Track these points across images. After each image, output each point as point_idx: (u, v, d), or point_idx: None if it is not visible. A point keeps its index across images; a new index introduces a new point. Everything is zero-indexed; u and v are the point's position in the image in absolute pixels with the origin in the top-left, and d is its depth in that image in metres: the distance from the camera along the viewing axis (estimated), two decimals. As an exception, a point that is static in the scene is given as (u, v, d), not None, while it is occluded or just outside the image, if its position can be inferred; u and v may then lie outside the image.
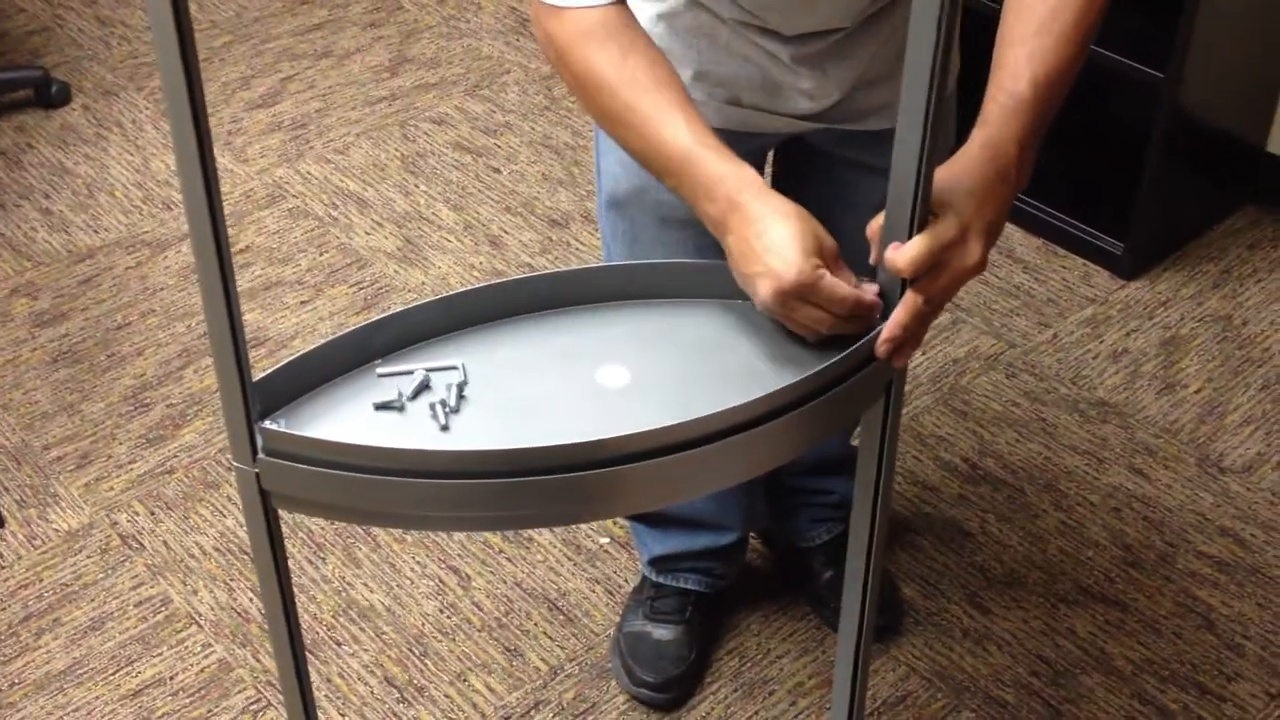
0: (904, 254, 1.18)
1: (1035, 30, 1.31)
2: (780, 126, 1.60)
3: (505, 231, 2.92)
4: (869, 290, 1.23)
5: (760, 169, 1.51)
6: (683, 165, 1.29)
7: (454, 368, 1.22)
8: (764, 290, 1.22)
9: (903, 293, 1.21)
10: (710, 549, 2.06)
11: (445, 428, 1.16)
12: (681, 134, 1.29)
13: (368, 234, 2.92)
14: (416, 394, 1.19)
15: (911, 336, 1.22)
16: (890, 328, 1.21)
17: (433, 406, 1.18)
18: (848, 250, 1.26)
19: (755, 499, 2.08)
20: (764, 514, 2.13)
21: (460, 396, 1.19)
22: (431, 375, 1.21)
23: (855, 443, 1.35)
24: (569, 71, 1.37)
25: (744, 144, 1.49)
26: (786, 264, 1.21)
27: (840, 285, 1.21)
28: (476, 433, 1.17)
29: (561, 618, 2.18)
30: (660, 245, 1.71)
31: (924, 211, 1.18)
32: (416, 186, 3.05)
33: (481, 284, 1.27)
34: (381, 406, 1.18)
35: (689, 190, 1.30)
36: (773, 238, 1.23)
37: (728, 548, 2.07)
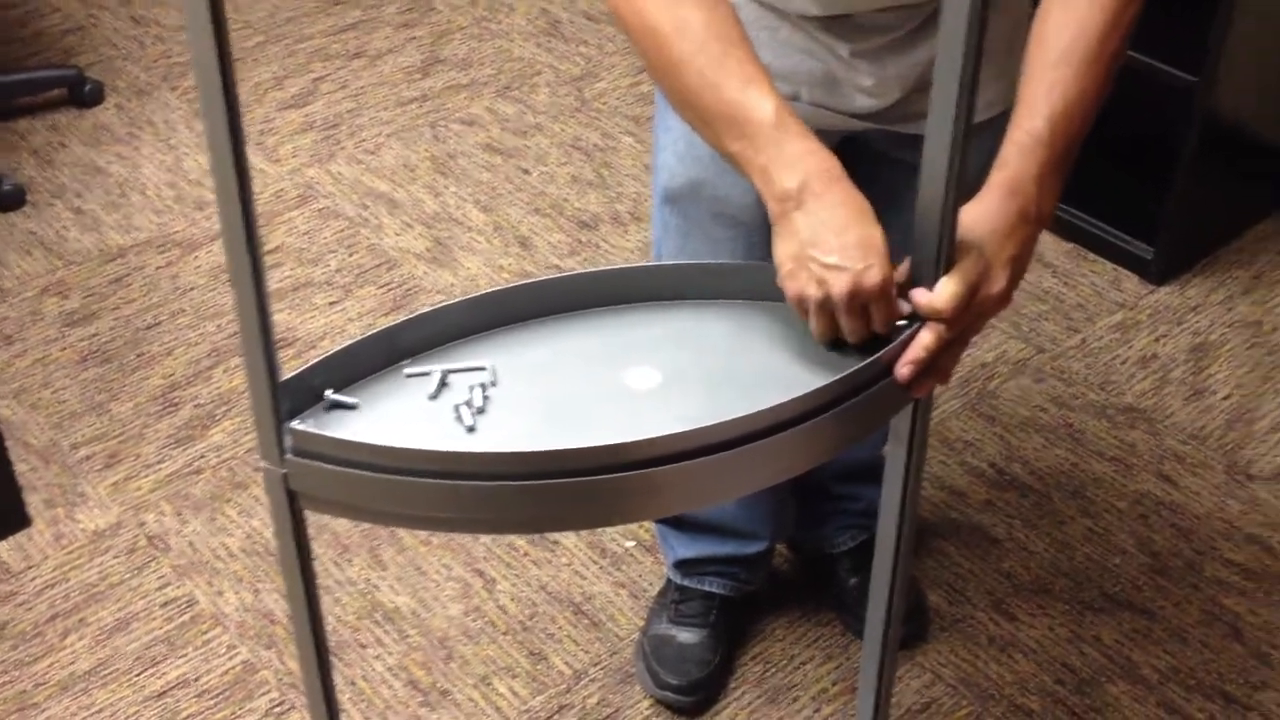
0: (940, 296, 1.19)
1: (1054, 61, 1.30)
2: (839, 125, 1.58)
3: (534, 233, 2.92)
4: (903, 308, 1.23)
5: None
6: (766, 131, 1.25)
7: (482, 368, 1.22)
8: (840, 284, 1.19)
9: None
10: (736, 556, 2.06)
11: (472, 429, 1.16)
12: (769, 98, 1.25)
13: (397, 235, 2.92)
14: (437, 393, 1.19)
15: (935, 365, 1.22)
16: (914, 349, 1.20)
17: (457, 408, 1.17)
18: (894, 253, 1.26)
19: (785, 507, 2.07)
20: (792, 522, 2.12)
21: (487, 397, 1.19)
22: (459, 376, 1.21)
23: (886, 450, 1.35)
24: (646, 9, 1.31)
25: None
26: (873, 264, 1.20)
27: (895, 305, 1.22)
28: (504, 434, 1.16)
29: (586, 621, 2.18)
30: (711, 242, 1.69)
31: (950, 251, 1.19)
32: (446, 187, 3.05)
33: (510, 284, 1.27)
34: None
35: (764, 158, 1.25)
36: (864, 234, 1.21)
37: (754, 555, 2.06)
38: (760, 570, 2.12)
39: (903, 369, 1.21)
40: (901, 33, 1.51)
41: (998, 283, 1.23)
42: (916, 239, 1.20)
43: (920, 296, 1.20)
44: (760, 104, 1.25)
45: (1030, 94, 1.30)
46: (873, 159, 1.65)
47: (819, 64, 1.54)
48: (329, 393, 1.17)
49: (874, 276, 1.19)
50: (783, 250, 1.25)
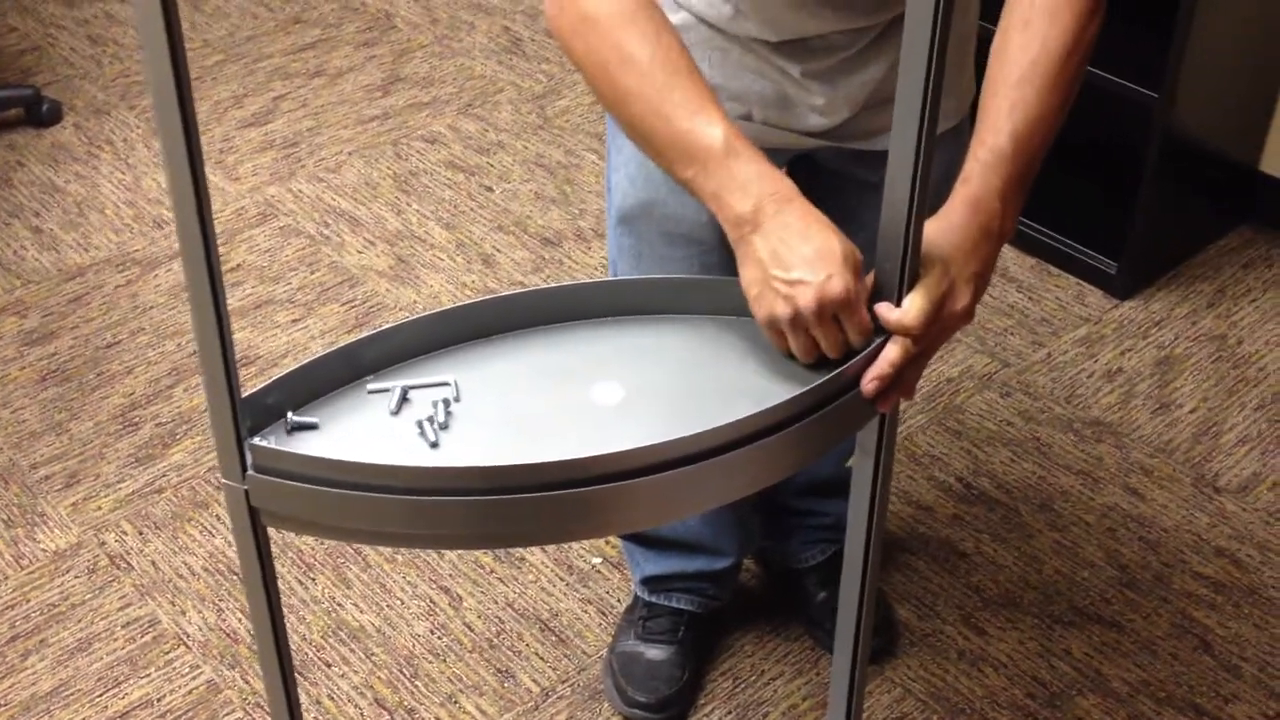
0: (908, 313, 1.19)
1: (1016, 80, 1.31)
2: (791, 143, 1.59)
3: (498, 250, 2.91)
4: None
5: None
6: (716, 156, 1.25)
7: (446, 384, 1.20)
8: (805, 297, 1.19)
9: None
10: (704, 572, 2.05)
11: (435, 444, 1.15)
12: (717, 125, 1.26)
13: (359, 252, 2.91)
14: (399, 408, 1.18)
15: (900, 380, 1.22)
16: (880, 364, 1.20)
17: (420, 424, 1.16)
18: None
19: (749, 523, 2.07)
20: (757, 536, 2.12)
21: (450, 412, 1.18)
22: (421, 391, 1.20)
23: (850, 464, 1.34)
24: (591, 42, 1.32)
25: None
26: (833, 273, 1.19)
27: (865, 313, 1.21)
28: (468, 449, 1.15)
29: (553, 638, 2.17)
30: (665, 261, 1.69)
31: (914, 267, 1.19)
32: (409, 205, 3.04)
33: (473, 299, 1.26)
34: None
35: (715, 184, 1.26)
36: (822, 245, 1.21)
37: (722, 571, 2.05)
38: (728, 586, 2.11)
39: (868, 384, 1.21)
40: (852, 52, 1.52)
41: (962, 298, 1.24)
42: (880, 256, 1.20)
43: (887, 312, 1.20)
44: (708, 131, 1.26)
45: (993, 112, 1.31)
46: (826, 177, 1.66)
47: (771, 85, 1.55)
48: (290, 414, 1.15)
49: (837, 285, 1.19)
50: (746, 275, 1.25)
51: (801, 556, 2.15)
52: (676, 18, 1.53)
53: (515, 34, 3.63)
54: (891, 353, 1.20)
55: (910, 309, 1.20)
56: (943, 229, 1.24)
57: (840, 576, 1.39)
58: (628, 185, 1.68)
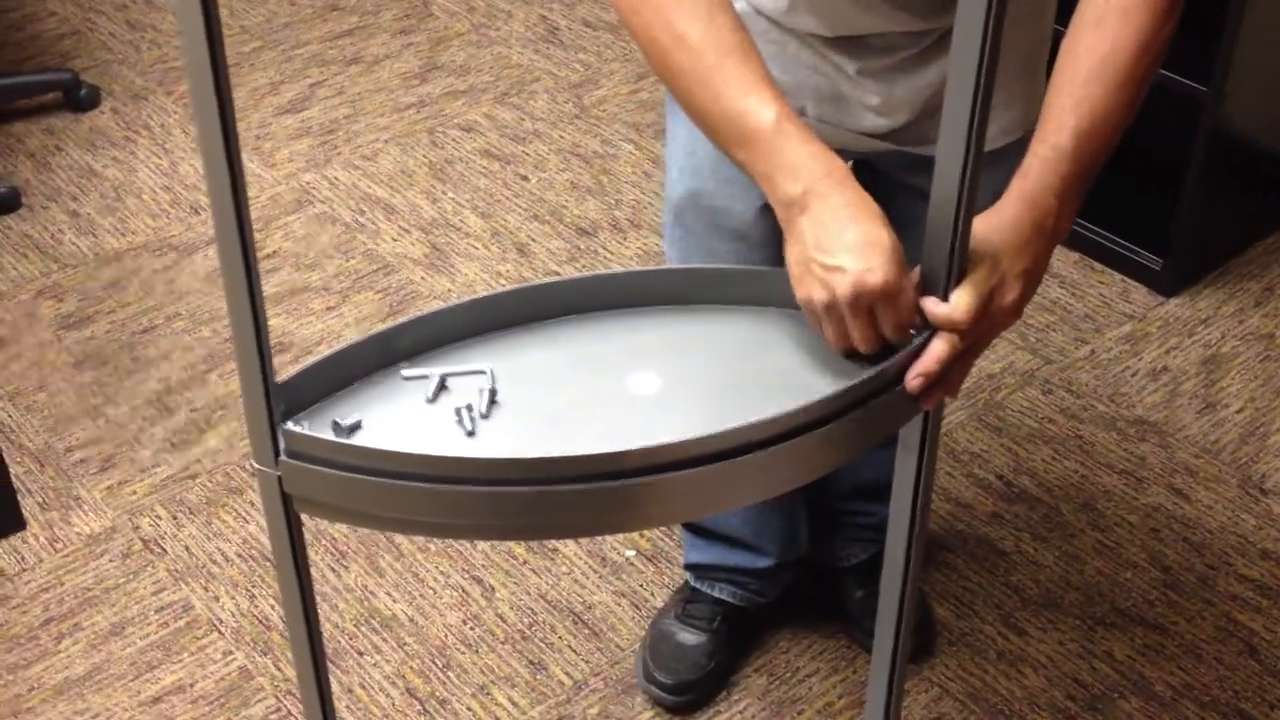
0: (957, 307, 1.17)
1: (1085, 78, 1.28)
2: (848, 143, 1.56)
3: (533, 239, 2.89)
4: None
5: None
6: (767, 138, 1.23)
7: (481, 372, 1.19)
8: (843, 285, 1.17)
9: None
10: (744, 568, 2.03)
11: (471, 433, 1.13)
12: (769, 105, 1.24)
13: (395, 240, 2.89)
14: (435, 396, 1.16)
15: (946, 377, 1.19)
16: (926, 360, 1.18)
17: (458, 411, 1.14)
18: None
19: (795, 525, 2.04)
20: (805, 541, 2.09)
21: (495, 402, 1.16)
22: (457, 380, 1.18)
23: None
24: (645, 19, 1.30)
25: None
26: (877, 263, 1.17)
27: (910, 307, 1.19)
28: (503, 439, 1.14)
29: (586, 631, 2.15)
30: (711, 256, 1.68)
31: (962, 261, 1.17)
32: (444, 193, 3.02)
33: (510, 287, 1.24)
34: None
35: (766, 165, 1.24)
36: (867, 234, 1.18)
37: (764, 570, 2.04)
38: (773, 584, 2.08)
39: (913, 380, 1.18)
40: (910, 53, 1.49)
41: (1011, 294, 1.22)
42: (927, 248, 1.18)
43: (935, 306, 1.18)
44: (760, 111, 1.24)
45: (1057, 108, 1.28)
46: (885, 183, 1.63)
47: (826, 80, 1.52)
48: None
49: (876, 277, 1.17)
50: (790, 256, 1.23)
51: (842, 555, 2.12)
52: (735, 7, 1.51)
53: (552, 23, 3.61)
54: (937, 348, 1.18)
55: (958, 304, 1.17)
56: (994, 224, 1.22)
57: (879, 576, 1.37)
58: (677, 175, 1.67)
